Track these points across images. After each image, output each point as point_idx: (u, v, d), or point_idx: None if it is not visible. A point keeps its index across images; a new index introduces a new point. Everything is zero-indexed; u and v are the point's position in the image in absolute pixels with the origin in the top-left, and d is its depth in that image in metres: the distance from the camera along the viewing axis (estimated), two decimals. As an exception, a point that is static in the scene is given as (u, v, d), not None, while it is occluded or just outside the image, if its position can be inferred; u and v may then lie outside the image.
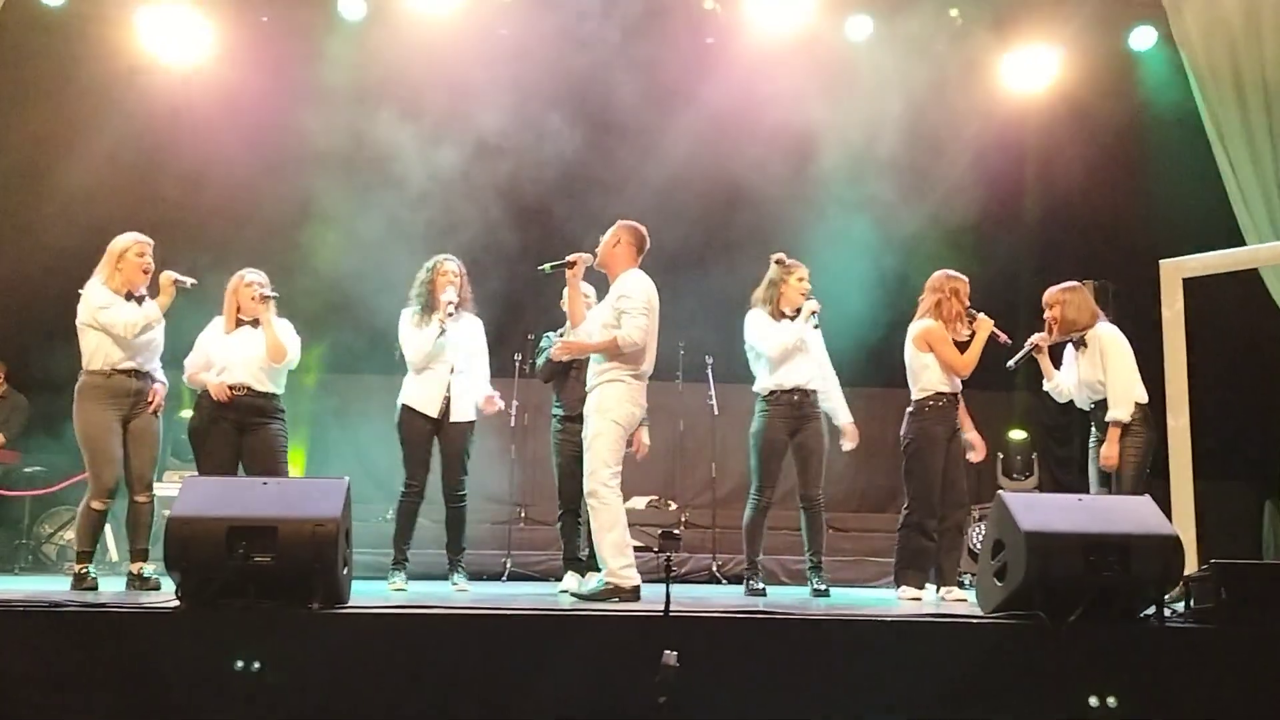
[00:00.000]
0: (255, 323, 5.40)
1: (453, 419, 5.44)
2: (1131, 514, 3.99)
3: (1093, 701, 3.58)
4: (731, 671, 3.60)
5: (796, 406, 5.48)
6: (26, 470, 7.60)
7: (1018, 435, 8.76)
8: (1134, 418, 5.15)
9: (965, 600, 5.11)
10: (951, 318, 5.43)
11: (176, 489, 4.25)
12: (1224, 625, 3.80)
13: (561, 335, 5.52)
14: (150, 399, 5.17)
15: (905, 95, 7.79)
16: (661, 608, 3.64)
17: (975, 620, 3.88)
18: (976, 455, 5.55)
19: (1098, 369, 5.26)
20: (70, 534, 6.95)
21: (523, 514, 8.04)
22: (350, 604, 3.81)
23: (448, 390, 5.44)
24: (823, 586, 5.46)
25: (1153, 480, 5.24)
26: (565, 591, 5.26)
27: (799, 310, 5.53)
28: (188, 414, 5.89)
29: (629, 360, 4.74)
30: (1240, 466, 7.88)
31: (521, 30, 7.95)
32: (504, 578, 6.88)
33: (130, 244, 5.17)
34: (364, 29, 8.00)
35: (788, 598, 5.33)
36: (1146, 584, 3.83)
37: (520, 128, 7.80)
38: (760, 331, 5.52)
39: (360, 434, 8.26)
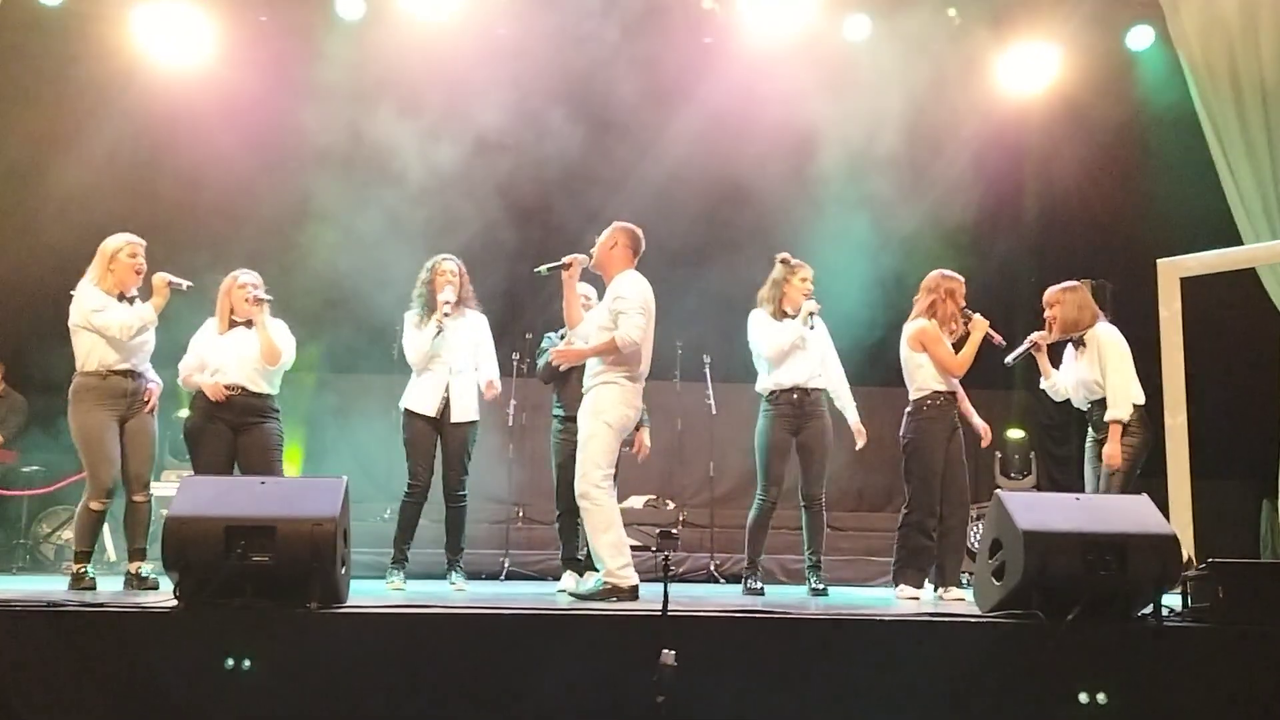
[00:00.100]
0: (249, 323, 5.36)
1: (452, 419, 5.44)
2: (1129, 513, 3.99)
3: (1082, 698, 3.58)
4: (729, 671, 3.60)
5: (798, 406, 5.47)
6: (24, 470, 7.61)
7: (1015, 434, 8.75)
8: (1131, 418, 5.16)
9: (963, 599, 5.10)
10: (947, 318, 5.42)
11: (174, 488, 4.25)
12: (1221, 624, 3.80)
13: (561, 336, 5.53)
14: (146, 399, 5.16)
15: (903, 94, 7.78)
16: (659, 607, 3.64)
17: (973, 619, 3.88)
18: (985, 440, 5.59)
19: (1096, 369, 5.27)
20: (68, 534, 6.93)
21: (521, 513, 8.03)
22: (349, 603, 3.81)
23: (446, 391, 5.44)
24: (821, 586, 5.46)
25: (1150, 479, 5.25)
26: (563, 591, 5.26)
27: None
28: (184, 414, 5.88)
29: (625, 362, 4.73)
30: (1237, 465, 7.88)
31: (520, 29, 7.95)
32: (502, 577, 6.87)
33: (123, 245, 5.12)
34: (362, 28, 8.00)
35: (786, 597, 5.33)
36: (1144, 583, 3.83)
37: (519, 126, 7.79)
38: (759, 331, 5.53)
39: (358, 433, 8.24)
